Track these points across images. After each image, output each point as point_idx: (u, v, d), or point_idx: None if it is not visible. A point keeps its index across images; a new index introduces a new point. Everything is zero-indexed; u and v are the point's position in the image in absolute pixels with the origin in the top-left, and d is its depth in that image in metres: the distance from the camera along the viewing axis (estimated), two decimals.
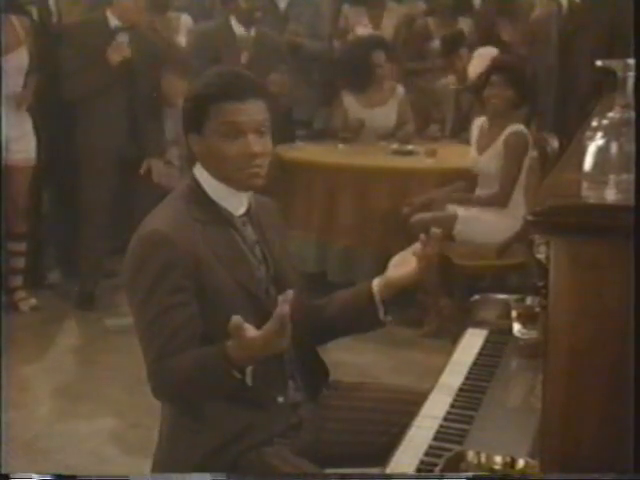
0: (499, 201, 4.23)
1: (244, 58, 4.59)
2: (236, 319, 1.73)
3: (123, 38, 4.62)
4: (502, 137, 4.21)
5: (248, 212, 2.06)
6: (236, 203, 2.03)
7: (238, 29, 4.65)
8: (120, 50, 4.54)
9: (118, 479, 2.69)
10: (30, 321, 4.55)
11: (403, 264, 2.07)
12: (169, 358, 1.87)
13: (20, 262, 4.72)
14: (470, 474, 1.57)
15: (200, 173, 2.02)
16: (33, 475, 1.84)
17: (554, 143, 4.55)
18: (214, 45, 4.64)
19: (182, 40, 5.24)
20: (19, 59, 4.45)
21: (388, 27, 5.94)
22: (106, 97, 4.59)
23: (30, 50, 4.49)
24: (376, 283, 2.11)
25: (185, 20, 5.35)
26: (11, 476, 1.84)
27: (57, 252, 5.20)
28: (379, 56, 4.90)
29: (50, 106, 4.72)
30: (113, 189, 4.76)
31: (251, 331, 1.74)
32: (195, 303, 1.90)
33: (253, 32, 4.65)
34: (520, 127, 4.19)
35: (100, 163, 4.67)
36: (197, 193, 2.01)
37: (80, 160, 4.74)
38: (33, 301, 4.77)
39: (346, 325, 2.19)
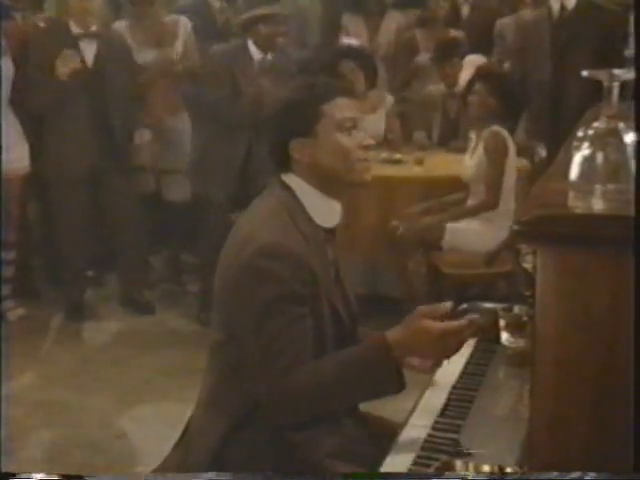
0: (488, 204, 4.22)
1: (262, 82, 4.51)
2: (423, 307, 1.84)
3: (89, 46, 4.55)
4: (482, 142, 4.23)
5: (334, 230, 2.06)
6: (329, 215, 2.04)
7: (256, 54, 4.58)
8: (69, 62, 4.37)
9: (119, 479, 2.68)
10: (18, 331, 4.53)
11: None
12: (297, 371, 1.86)
13: (10, 271, 4.70)
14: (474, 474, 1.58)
15: (295, 183, 2.01)
16: (38, 474, 1.83)
17: (542, 152, 4.57)
18: (230, 68, 4.56)
19: (179, 47, 5.09)
20: (6, 67, 4.42)
21: (386, 37, 5.98)
22: (74, 106, 4.52)
23: (14, 57, 4.47)
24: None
25: (184, 24, 5.15)
26: (17, 475, 1.83)
27: (44, 262, 5.18)
28: (347, 65, 4.90)
29: (24, 115, 4.59)
30: (88, 198, 4.72)
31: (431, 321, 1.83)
32: (310, 317, 1.91)
33: (270, 56, 4.59)
34: (497, 128, 4.20)
35: (72, 172, 4.61)
36: (294, 205, 2.00)
37: (53, 170, 4.67)
38: (21, 311, 4.75)
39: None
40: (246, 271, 1.89)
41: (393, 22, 5.99)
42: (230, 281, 1.94)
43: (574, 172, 1.49)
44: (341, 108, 1.99)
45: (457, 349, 1.92)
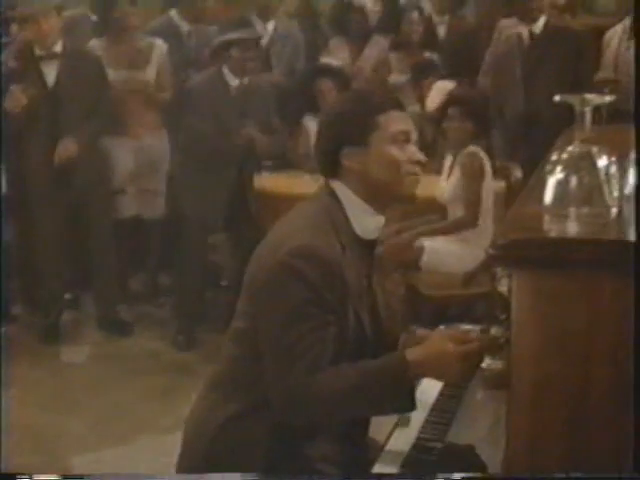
0: (468, 221, 4.24)
1: (240, 108, 4.51)
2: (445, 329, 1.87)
3: (49, 67, 4.52)
4: (458, 162, 4.26)
5: (372, 244, 2.06)
6: (370, 228, 2.04)
7: (232, 80, 4.58)
8: (15, 100, 4.38)
9: (119, 479, 2.67)
10: None
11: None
12: (315, 376, 1.87)
13: None
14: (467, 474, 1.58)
15: (342, 191, 2.02)
16: (38, 476, 1.82)
17: (518, 173, 4.61)
18: (210, 98, 4.55)
19: (152, 71, 5.05)
20: None
21: (367, 60, 6.02)
22: (38, 127, 4.50)
23: None
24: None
25: (159, 47, 5.12)
26: (17, 477, 1.83)
27: (20, 284, 5.13)
28: (324, 83, 4.92)
29: None
30: (58, 221, 4.69)
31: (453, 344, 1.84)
32: (336, 325, 1.92)
33: (246, 81, 4.58)
34: (474, 149, 4.23)
35: (40, 196, 4.59)
36: (338, 213, 2.00)
37: (20, 193, 4.65)
38: None
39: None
40: (280, 268, 1.91)
41: (376, 46, 6.04)
42: (262, 275, 1.95)
43: (548, 196, 1.50)
44: (395, 121, 2.00)
45: (474, 373, 1.95)
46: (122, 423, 3.85)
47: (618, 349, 1.42)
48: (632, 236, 1.38)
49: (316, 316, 1.88)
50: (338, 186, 2.02)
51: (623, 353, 1.42)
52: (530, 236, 1.42)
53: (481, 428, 2.03)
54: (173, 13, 5.71)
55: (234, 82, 4.55)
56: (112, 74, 4.89)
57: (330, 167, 2.03)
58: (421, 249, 4.29)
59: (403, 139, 1.99)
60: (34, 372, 4.40)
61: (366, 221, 2.02)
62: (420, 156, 2.01)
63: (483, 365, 2.18)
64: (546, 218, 1.49)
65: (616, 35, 4.92)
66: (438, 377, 1.96)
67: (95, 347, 4.72)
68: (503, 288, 1.64)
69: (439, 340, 1.90)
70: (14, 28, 5.15)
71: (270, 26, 5.57)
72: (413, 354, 1.89)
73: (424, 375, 1.92)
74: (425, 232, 4.30)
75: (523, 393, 1.52)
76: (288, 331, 1.88)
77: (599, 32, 5.10)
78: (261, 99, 4.59)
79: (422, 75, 5.32)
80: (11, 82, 4.44)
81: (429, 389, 2.17)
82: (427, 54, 5.74)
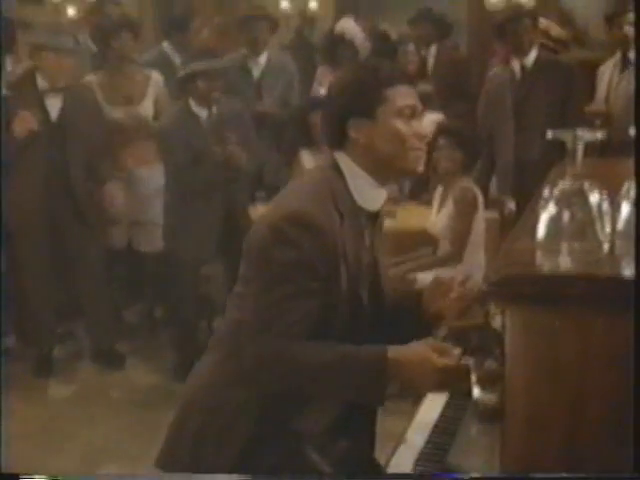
0: (452, 258, 4.26)
1: (213, 137, 4.52)
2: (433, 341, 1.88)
3: (54, 101, 4.54)
4: (451, 195, 4.28)
5: (376, 215, 2.08)
6: (372, 199, 2.04)
7: (200, 111, 4.58)
8: (25, 123, 4.40)
9: (119, 479, 2.64)
10: None
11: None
12: (291, 343, 1.89)
13: None
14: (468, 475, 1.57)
15: (345, 163, 2.03)
16: (36, 476, 1.81)
17: (512, 205, 4.63)
18: (181, 132, 4.56)
19: (149, 104, 5.09)
20: None
21: None
22: (35, 159, 4.50)
23: None
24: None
25: (156, 79, 5.16)
26: (17, 477, 1.82)
27: (11, 316, 5.11)
28: (317, 117, 4.96)
29: None
30: (53, 252, 4.68)
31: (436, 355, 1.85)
32: (324, 292, 1.92)
33: (215, 110, 4.59)
34: (468, 183, 4.26)
35: (34, 225, 4.58)
36: (339, 183, 2.01)
37: (15, 222, 4.63)
38: None
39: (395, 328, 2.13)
40: (272, 231, 1.93)
41: None
42: (256, 238, 1.98)
43: (541, 231, 1.51)
44: (403, 95, 2.01)
45: (446, 389, 1.99)
46: (114, 457, 3.82)
47: (611, 385, 1.42)
48: (626, 272, 1.39)
49: (300, 282, 1.89)
50: (341, 157, 2.04)
51: (616, 389, 1.42)
52: (523, 272, 1.42)
53: (475, 462, 2.02)
54: (165, 45, 5.75)
55: (202, 113, 4.54)
56: (109, 110, 4.93)
57: (336, 138, 2.04)
58: (413, 281, 4.29)
59: (409, 114, 2.00)
60: (26, 405, 4.37)
61: (368, 192, 2.03)
62: (426, 131, 2.03)
63: (477, 398, 2.19)
64: (539, 253, 1.49)
65: (608, 69, 4.96)
66: (412, 382, 1.94)
67: (88, 380, 4.70)
68: (497, 324, 1.64)
69: (423, 348, 1.90)
70: (20, 55, 5.19)
71: (262, 58, 5.60)
72: (395, 353, 1.89)
73: (399, 376, 1.91)
74: (413, 269, 4.32)
75: (517, 427, 1.51)
76: (269, 293, 1.91)
77: (591, 65, 5.15)
78: (235, 125, 4.59)
79: None
80: (10, 110, 4.44)
81: (423, 424, 2.16)
82: (421, 86, 5.77)
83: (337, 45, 6.21)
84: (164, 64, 5.49)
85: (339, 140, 2.04)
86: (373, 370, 1.88)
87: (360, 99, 2.01)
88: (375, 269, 2.11)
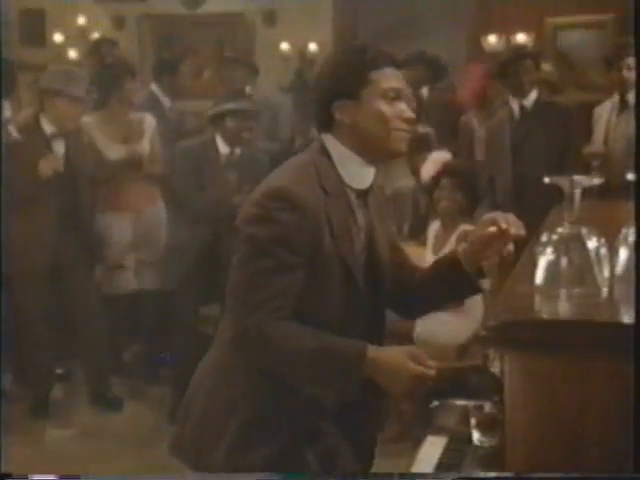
0: None
1: (229, 177, 4.55)
2: (414, 350, 1.91)
3: (59, 145, 4.56)
4: (454, 237, 4.27)
5: (366, 193, 2.10)
6: (360, 178, 2.08)
7: (224, 148, 4.62)
8: (52, 163, 4.44)
9: (118, 479, 2.62)
10: None
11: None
12: (269, 320, 1.92)
13: None
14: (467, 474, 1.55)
15: (332, 143, 2.07)
16: (35, 476, 1.80)
17: (510, 247, 4.61)
18: (197, 163, 4.59)
19: (146, 144, 5.09)
20: None
21: None
22: (39, 202, 4.51)
23: None
24: (460, 247, 2.11)
25: (149, 121, 5.20)
26: (14, 476, 1.81)
27: (8, 356, 5.08)
28: None
29: None
30: (48, 294, 4.67)
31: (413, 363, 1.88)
32: (304, 268, 1.95)
33: (239, 151, 4.63)
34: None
35: (35, 268, 4.58)
36: (326, 163, 2.05)
37: (12, 265, 4.61)
38: None
39: (441, 294, 2.22)
40: (253, 207, 1.98)
41: None
42: (241, 217, 2.03)
43: (539, 276, 1.51)
44: (388, 78, 2.05)
45: (415, 395, 2.05)
46: None
47: (611, 431, 1.42)
48: (625, 317, 1.38)
49: (278, 256, 1.92)
50: (328, 139, 2.07)
51: (615, 434, 1.41)
52: (521, 317, 1.42)
53: None
54: (154, 87, 5.79)
55: (225, 150, 4.58)
56: (109, 149, 4.95)
57: (323, 119, 2.08)
58: (413, 322, 4.28)
59: (393, 96, 2.04)
60: (22, 446, 4.33)
61: (355, 170, 2.07)
62: (409, 114, 2.06)
63: (477, 443, 2.17)
64: (537, 298, 1.49)
65: (605, 110, 4.99)
66: (385, 384, 1.95)
67: (85, 422, 4.66)
68: (496, 370, 1.63)
69: (402, 353, 1.93)
70: (20, 97, 5.21)
71: (255, 99, 5.66)
72: (373, 353, 1.92)
73: (374, 377, 1.93)
74: None
75: (517, 473, 1.50)
76: (248, 266, 1.95)
77: (589, 107, 5.18)
78: (252, 169, 4.62)
79: (416, 150, 5.38)
80: (15, 154, 4.46)
81: (422, 469, 2.14)
82: (421, 127, 5.79)
83: None
84: (154, 106, 5.54)
85: (326, 122, 2.08)
86: (349, 366, 1.92)
87: (345, 81, 2.05)
88: (373, 247, 2.14)
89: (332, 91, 2.06)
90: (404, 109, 2.05)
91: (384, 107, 2.03)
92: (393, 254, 2.23)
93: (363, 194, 2.10)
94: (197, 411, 2.15)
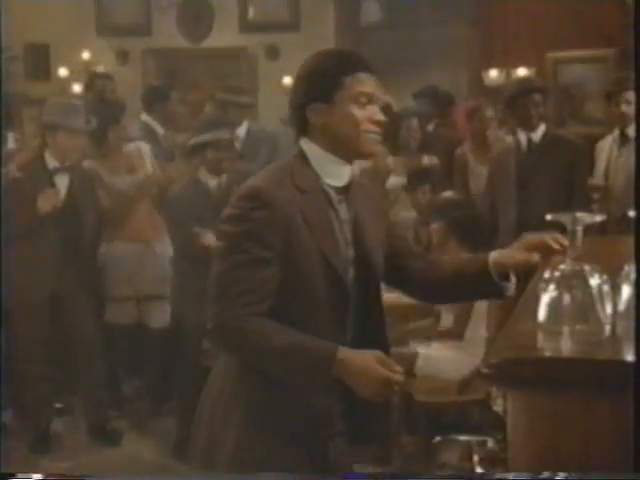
0: (453, 332, 4.25)
1: (220, 207, 4.55)
2: (381, 354, 1.94)
3: (62, 179, 4.58)
4: None
5: (347, 189, 2.17)
6: (338, 175, 2.16)
7: (210, 180, 4.62)
8: (50, 199, 4.45)
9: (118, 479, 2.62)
10: None
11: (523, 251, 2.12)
12: (245, 314, 2.00)
13: None
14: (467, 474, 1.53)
15: (308, 146, 2.15)
16: (33, 475, 1.79)
17: (512, 279, 4.60)
18: (191, 205, 4.58)
19: (149, 168, 5.10)
20: None
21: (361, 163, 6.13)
22: (42, 235, 4.52)
23: None
24: (492, 257, 2.18)
25: (145, 148, 5.21)
26: (16, 476, 1.80)
27: (8, 390, 5.06)
28: None
29: None
30: (47, 326, 4.65)
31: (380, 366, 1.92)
32: (278, 264, 2.03)
33: (224, 179, 4.62)
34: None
35: (35, 300, 4.56)
36: (301, 163, 2.14)
37: (11, 299, 4.59)
38: None
39: (461, 290, 2.30)
40: (229, 210, 2.09)
41: None
42: (221, 219, 2.12)
43: (542, 313, 1.50)
44: (361, 82, 2.11)
45: (381, 398, 2.02)
46: None
47: (614, 467, 1.41)
48: (628, 355, 1.38)
49: (251, 252, 2.01)
50: (304, 142, 2.16)
51: (619, 471, 1.40)
52: (524, 355, 1.41)
53: None
54: (144, 116, 5.82)
55: (212, 182, 4.57)
56: (115, 180, 4.97)
57: (299, 123, 2.16)
58: (415, 355, 4.27)
59: (364, 101, 2.11)
60: None
61: (332, 169, 2.14)
62: (380, 116, 2.12)
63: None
64: (540, 336, 1.48)
65: (607, 144, 5.00)
66: (353, 386, 1.99)
67: (86, 456, 4.62)
68: (498, 408, 1.62)
69: (371, 357, 1.97)
70: (25, 131, 5.24)
71: (242, 130, 5.69)
72: (343, 355, 1.97)
73: (343, 378, 1.97)
74: (413, 331, 4.32)
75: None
76: (222, 262, 2.06)
77: (591, 141, 5.19)
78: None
79: (417, 183, 5.39)
80: (16, 190, 4.47)
81: None
82: (426, 158, 5.81)
83: None
84: (148, 135, 5.57)
85: (302, 126, 2.16)
86: (319, 366, 1.98)
87: (319, 85, 2.12)
88: (361, 239, 2.18)
89: (307, 95, 2.14)
90: (375, 112, 2.13)
91: (355, 111, 2.10)
92: (393, 243, 2.32)
93: (344, 190, 2.17)
94: (204, 417, 2.25)
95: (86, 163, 5.02)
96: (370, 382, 1.95)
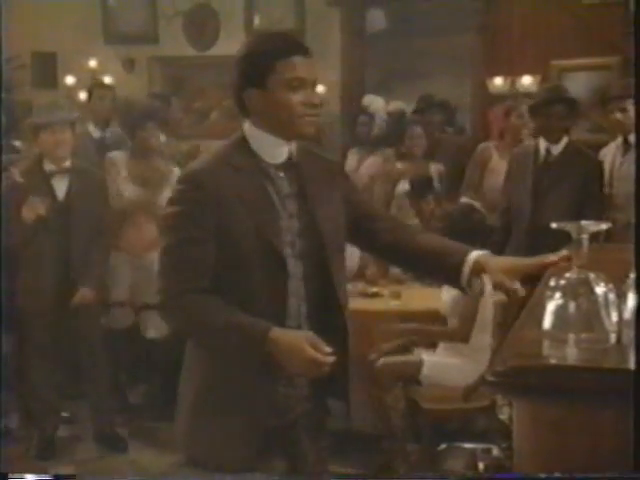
0: (460, 336, 4.24)
1: None
2: (313, 336, 2.02)
3: (60, 183, 4.60)
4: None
5: (287, 165, 2.22)
6: (276, 153, 2.21)
7: None
8: (35, 208, 4.45)
9: (118, 479, 2.64)
10: None
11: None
12: (188, 291, 2.10)
13: None
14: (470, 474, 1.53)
15: (249, 129, 2.21)
16: (31, 475, 1.82)
17: (521, 291, 4.58)
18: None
19: (167, 195, 5.09)
20: None
21: (369, 169, 6.17)
22: (43, 240, 4.54)
23: None
24: (473, 256, 2.24)
25: (177, 173, 5.07)
26: (10, 476, 1.82)
27: (13, 397, 5.06)
28: None
29: None
30: (54, 334, 4.67)
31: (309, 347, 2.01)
32: (213, 241, 2.11)
33: None
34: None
35: (36, 309, 4.59)
36: (240, 144, 2.20)
37: (22, 303, 4.63)
38: None
39: (429, 267, 2.38)
40: (170, 194, 2.21)
41: (381, 155, 6.19)
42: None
43: (547, 321, 1.51)
44: (294, 66, 2.13)
45: (309, 376, 2.12)
46: None
47: (620, 475, 1.41)
48: (632, 363, 1.38)
49: (185, 231, 2.11)
50: (245, 124, 2.22)
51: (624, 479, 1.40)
52: (529, 363, 1.42)
53: None
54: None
55: None
56: (128, 188, 4.97)
57: (239, 105, 2.21)
58: (420, 363, 4.27)
59: (297, 85, 2.12)
60: None
61: (269, 148, 2.20)
62: (315, 99, 2.15)
63: None
64: (545, 344, 1.49)
65: (610, 152, 5.00)
66: (283, 364, 2.06)
67: (91, 462, 4.63)
68: (504, 416, 1.62)
69: (302, 337, 2.05)
70: (23, 142, 5.25)
71: None
72: (275, 334, 2.04)
73: (275, 356, 2.05)
74: (418, 332, 4.32)
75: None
76: (164, 239, 2.18)
77: (594, 148, 5.18)
78: None
79: (420, 192, 5.40)
80: (18, 197, 4.48)
81: None
82: (432, 165, 5.81)
83: (358, 114, 6.36)
84: None
85: (243, 110, 2.21)
86: (252, 344, 2.06)
87: (252, 69, 2.15)
88: (309, 211, 2.21)
89: (241, 79, 2.18)
90: (309, 95, 2.14)
91: (288, 95, 2.13)
92: (356, 207, 2.36)
93: (285, 166, 2.22)
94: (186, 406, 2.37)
95: (112, 159, 5.03)
96: (299, 362, 2.02)
